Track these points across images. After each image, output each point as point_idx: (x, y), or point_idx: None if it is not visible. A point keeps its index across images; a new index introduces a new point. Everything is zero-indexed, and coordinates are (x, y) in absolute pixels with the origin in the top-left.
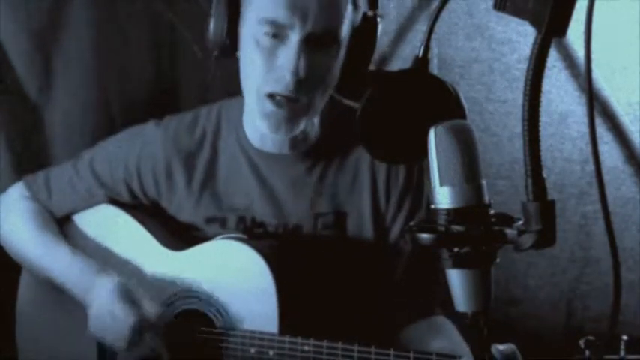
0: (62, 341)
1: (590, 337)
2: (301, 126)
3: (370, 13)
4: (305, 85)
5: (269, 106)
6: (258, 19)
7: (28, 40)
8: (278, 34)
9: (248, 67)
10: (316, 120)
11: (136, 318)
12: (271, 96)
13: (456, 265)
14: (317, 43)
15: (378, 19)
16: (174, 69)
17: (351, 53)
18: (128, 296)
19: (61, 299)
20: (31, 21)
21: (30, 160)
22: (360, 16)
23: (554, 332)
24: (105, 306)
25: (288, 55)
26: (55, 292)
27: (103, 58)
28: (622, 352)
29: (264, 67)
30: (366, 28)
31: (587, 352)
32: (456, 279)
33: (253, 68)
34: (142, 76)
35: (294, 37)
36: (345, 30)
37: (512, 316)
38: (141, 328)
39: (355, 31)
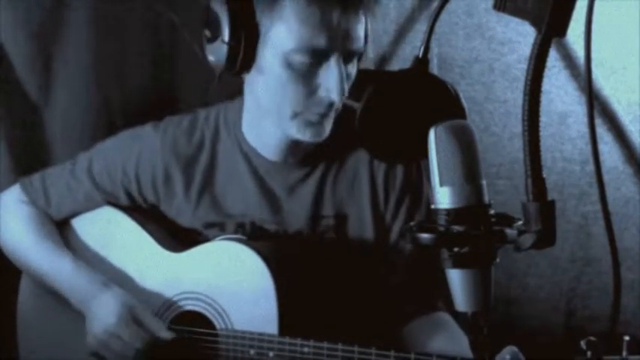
0: (63, 346)
1: (592, 338)
2: (330, 124)
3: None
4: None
5: (315, 117)
6: (297, 48)
7: (28, 40)
8: (318, 60)
9: (276, 90)
10: None
11: (143, 342)
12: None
13: (456, 265)
14: (350, 58)
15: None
16: (174, 69)
17: None
18: (134, 318)
19: (62, 305)
20: (31, 21)
21: (30, 160)
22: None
23: (554, 332)
24: (110, 328)
25: (331, 77)
26: (55, 297)
27: (102, 59)
28: (624, 353)
29: (302, 93)
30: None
31: (588, 353)
32: (456, 279)
33: (285, 93)
34: (142, 77)
35: (333, 59)
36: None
37: (512, 316)
38: (147, 351)
39: None
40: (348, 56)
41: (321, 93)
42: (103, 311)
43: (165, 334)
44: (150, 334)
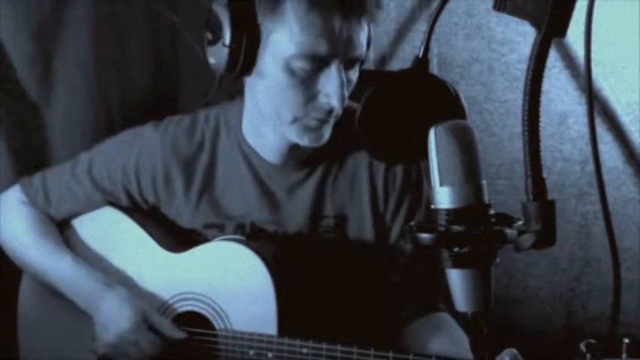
0: (63, 346)
1: (592, 340)
2: (330, 129)
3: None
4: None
5: (314, 123)
6: (298, 54)
7: (28, 40)
8: (319, 66)
9: (276, 95)
10: None
11: (159, 347)
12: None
13: (456, 265)
14: (352, 64)
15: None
16: (174, 69)
17: None
18: (147, 323)
19: (62, 305)
20: (31, 21)
21: (30, 159)
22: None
23: (554, 332)
24: (125, 334)
25: (331, 84)
26: (56, 297)
27: (103, 58)
28: (624, 356)
29: (302, 98)
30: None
31: (588, 356)
32: (456, 279)
33: (285, 98)
34: (142, 76)
35: (334, 65)
36: None
37: (512, 316)
38: (161, 354)
39: None
40: (349, 63)
41: (321, 99)
42: (115, 316)
43: (179, 334)
44: (164, 338)
